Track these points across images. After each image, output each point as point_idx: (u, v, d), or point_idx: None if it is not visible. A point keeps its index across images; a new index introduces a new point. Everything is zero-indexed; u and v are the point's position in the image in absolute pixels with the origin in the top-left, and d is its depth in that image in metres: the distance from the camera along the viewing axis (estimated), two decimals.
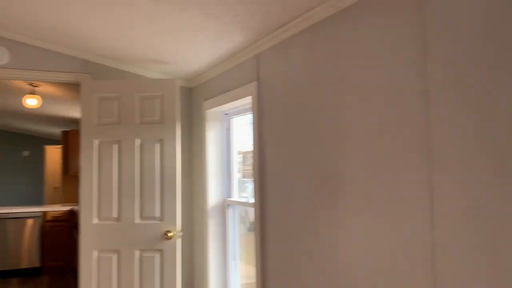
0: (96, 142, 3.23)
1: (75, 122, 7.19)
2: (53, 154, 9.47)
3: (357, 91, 1.86)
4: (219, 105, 3.25)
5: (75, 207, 6.47)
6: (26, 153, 11.09)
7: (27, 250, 6.28)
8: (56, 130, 8.85)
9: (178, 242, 3.17)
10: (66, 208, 6.64)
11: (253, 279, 2.94)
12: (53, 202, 9.09)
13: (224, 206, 3.48)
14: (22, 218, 6.30)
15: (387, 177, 1.70)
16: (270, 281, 2.56)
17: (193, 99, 3.72)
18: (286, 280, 2.39)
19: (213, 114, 3.46)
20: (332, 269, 2.02)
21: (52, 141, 10.52)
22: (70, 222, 6.50)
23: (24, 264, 6.25)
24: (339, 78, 1.97)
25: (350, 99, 1.90)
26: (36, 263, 6.30)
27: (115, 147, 3.21)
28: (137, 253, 3.16)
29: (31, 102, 5.29)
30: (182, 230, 3.51)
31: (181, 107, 3.61)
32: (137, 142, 3.19)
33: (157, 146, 3.18)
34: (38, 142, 10.86)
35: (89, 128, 3.24)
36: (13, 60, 3.15)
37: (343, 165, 1.94)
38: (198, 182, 3.61)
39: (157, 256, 3.15)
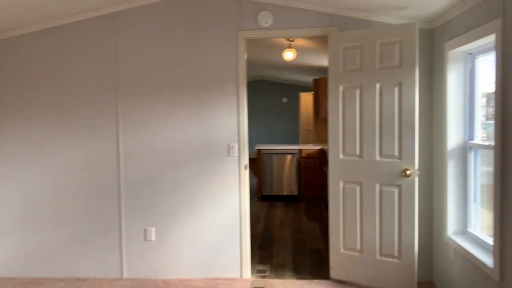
0: (341, 88, 3.66)
1: (324, 70, 7.90)
2: (306, 100, 10.65)
3: None
4: (461, 45, 3.16)
5: (325, 147, 7.30)
6: (284, 100, 12.78)
7: (287, 181, 7.53)
8: (308, 78, 9.87)
9: (416, 181, 3.38)
10: (317, 147, 7.55)
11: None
12: (306, 142, 10.35)
13: (466, 148, 3.44)
14: (282, 154, 7.53)
15: None
16: (509, 231, 2.52)
17: (434, 41, 3.69)
18: None
19: (454, 55, 3.39)
20: None
21: (305, 88, 11.76)
22: (321, 159, 7.40)
23: (285, 191, 7.54)
24: None
25: None
26: (294, 191, 7.51)
27: (357, 91, 3.58)
28: (377, 186, 3.53)
29: (288, 55, 6.16)
30: (420, 170, 3.68)
31: (421, 49, 3.64)
32: (377, 86, 3.47)
33: (396, 90, 3.39)
34: (294, 89, 12.31)
35: (335, 75, 3.69)
36: (275, 22, 3.81)
37: None
38: (438, 124, 3.64)
39: (395, 191, 3.45)
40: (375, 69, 3.47)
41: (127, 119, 3.92)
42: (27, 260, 4.04)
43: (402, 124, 3.38)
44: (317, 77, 8.14)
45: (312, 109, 8.95)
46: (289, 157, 7.51)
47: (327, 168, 3.84)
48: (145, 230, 3.95)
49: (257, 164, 7.57)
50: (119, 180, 3.94)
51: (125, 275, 3.98)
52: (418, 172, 3.43)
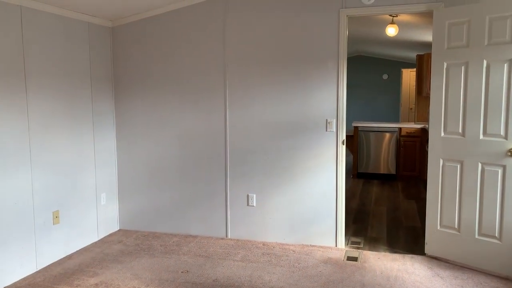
0: (445, 65, 3.60)
1: (429, 45, 7.56)
2: (408, 77, 10.27)
3: None
4: None
5: (427, 125, 7.07)
6: (385, 76, 12.40)
7: (384, 159, 7.46)
8: (411, 54, 9.49)
9: None
10: (419, 126, 7.33)
11: None
12: (407, 120, 10.04)
13: None
14: (381, 132, 7.45)
15: None
16: None
17: None
18: None
19: None
20: None
21: (408, 64, 11.30)
22: (422, 138, 7.19)
23: (382, 170, 7.49)
24: None
25: None
26: (391, 170, 7.43)
27: (462, 68, 3.50)
28: (479, 165, 3.46)
29: (391, 31, 6.06)
30: None
31: None
32: (484, 63, 3.36)
33: (505, 66, 3.25)
34: (395, 66, 11.89)
35: (439, 52, 3.63)
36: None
37: None
38: None
39: (499, 171, 3.36)
40: (483, 46, 3.35)
41: (234, 93, 4.27)
42: (148, 216, 4.68)
43: (510, 102, 3.26)
44: (421, 53, 7.82)
45: (414, 86, 8.64)
46: (388, 135, 7.42)
47: (428, 147, 3.83)
48: (247, 196, 4.33)
49: (353, 141, 7.60)
50: (226, 150, 4.34)
51: (229, 236, 4.42)
52: None
